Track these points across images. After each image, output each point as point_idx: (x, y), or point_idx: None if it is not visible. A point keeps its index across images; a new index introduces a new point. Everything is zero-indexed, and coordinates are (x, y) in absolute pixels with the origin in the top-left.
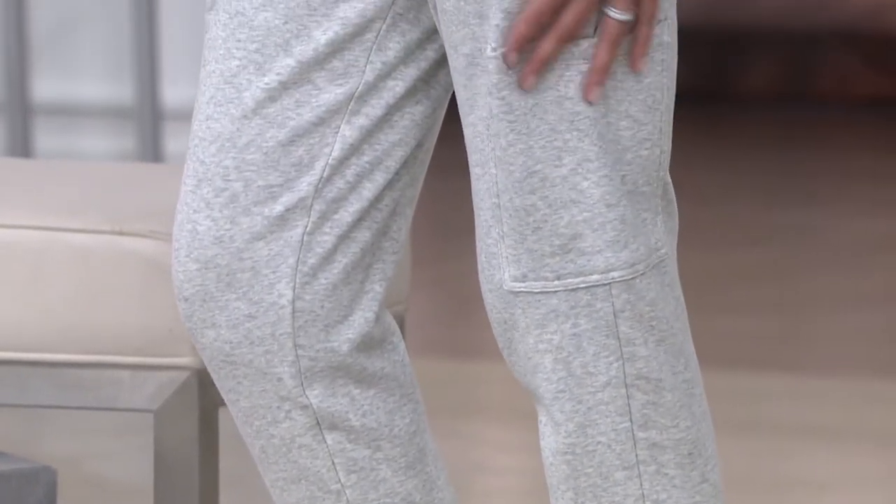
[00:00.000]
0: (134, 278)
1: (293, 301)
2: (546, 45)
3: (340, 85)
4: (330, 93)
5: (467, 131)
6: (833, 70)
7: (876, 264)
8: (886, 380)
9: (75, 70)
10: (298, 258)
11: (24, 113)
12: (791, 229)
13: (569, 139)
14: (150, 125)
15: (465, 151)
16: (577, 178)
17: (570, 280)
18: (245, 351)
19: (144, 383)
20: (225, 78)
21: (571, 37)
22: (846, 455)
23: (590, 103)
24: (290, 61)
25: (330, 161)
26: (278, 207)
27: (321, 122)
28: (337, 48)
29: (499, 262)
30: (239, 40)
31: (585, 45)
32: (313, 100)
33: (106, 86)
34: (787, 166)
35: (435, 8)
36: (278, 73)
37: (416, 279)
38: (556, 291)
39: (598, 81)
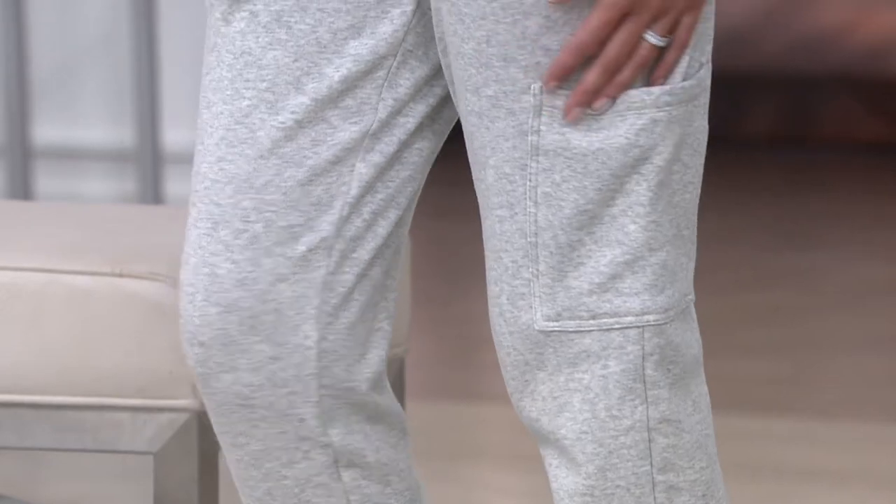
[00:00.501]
0: (134, 320)
1: (319, 342)
2: (591, 77)
3: (355, 123)
4: (345, 131)
5: (487, 173)
6: (834, 114)
7: (881, 307)
8: (893, 423)
9: (76, 113)
10: (322, 298)
11: (24, 156)
12: (795, 272)
13: (627, 183)
14: (150, 168)
15: (464, 196)
16: (626, 220)
17: (604, 320)
18: (267, 393)
19: (145, 426)
20: (236, 118)
21: (617, 68)
22: (853, 499)
23: (596, 111)
24: (304, 99)
25: (348, 199)
26: (301, 248)
27: (338, 161)
28: (350, 86)
29: (528, 303)
30: (248, 80)
31: (658, 92)
32: (329, 138)
33: (106, 129)
34: (789, 210)
35: (445, 50)
36: (293, 112)
37: (416, 321)
38: (590, 331)
39: (612, 96)
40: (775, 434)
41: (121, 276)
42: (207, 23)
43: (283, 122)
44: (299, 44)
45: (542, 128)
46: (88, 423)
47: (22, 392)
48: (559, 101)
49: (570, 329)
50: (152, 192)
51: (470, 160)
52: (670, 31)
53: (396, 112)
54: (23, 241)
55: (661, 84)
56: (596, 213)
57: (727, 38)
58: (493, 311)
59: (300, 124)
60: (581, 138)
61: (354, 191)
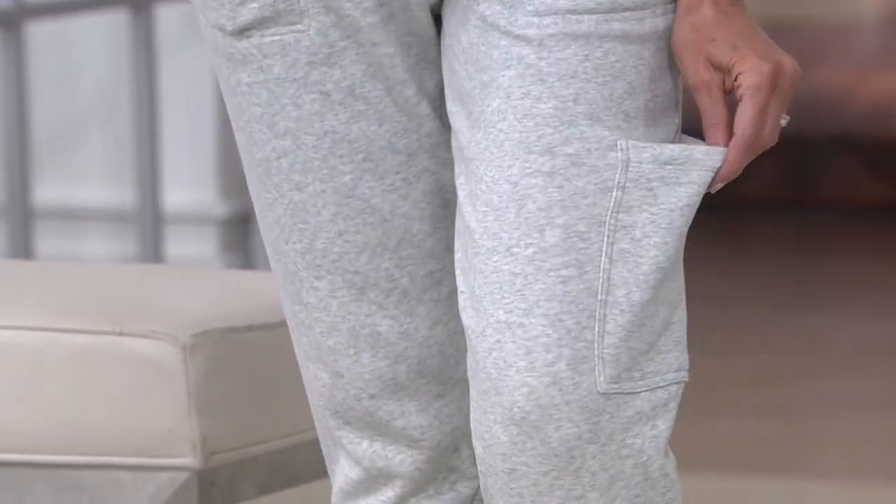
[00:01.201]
0: (134, 378)
1: None
2: (742, 161)
3: (451, 168)
4: (448, 177)
5: (548, 235)
6: (834, 176)
7: (881, 369)
8: (891, 486)
9: (77, 174)
10: None
11: (25, 216)
12: (796, 333)
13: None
14: (150, 229)
15: None
16: (676, 276)
17: (652, 379)
18: (435, 433)
19: (145, 484)
20: (344, 193)
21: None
22: None
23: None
24: (402, 157)
25: None
26: (445, 289)
27: (448, 204)
28: (437, 139)
29: (591, 366)
30: (341, 156)
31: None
32: (437, 187)
33: (107, 190)
34: (790, 271)
35: (481, 109)
36: (397, 172)
37: None
38: (640, 392)
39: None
40: (772, 495)
41: (120, 334)
42: (247, 109)
43: (391, 185)
44: (379, 109)
45: (629, 184)
46: (88, 483)
47: (21, 451)
48: (646, 155)
49: (627, 391)
50: (152, 253)
51: (484, 217)
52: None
53: None
54: (22, 299)
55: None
56: (669, 270)
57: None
58: (538, 383)
59: (407, 181)
60: (669, 193)
61: None
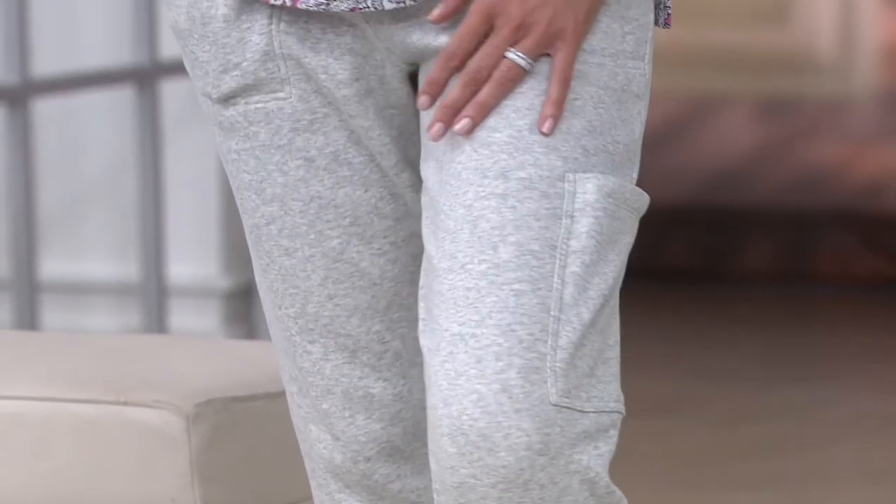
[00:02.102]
0: (138, 448)
1: None
2: (453, 92)
3: None
4: None
5: (502, 251)
6: (831, 250)
7: (880, 440)
8: None
9: (82, 248)
10: None
11: (30, 290)
12: (794, 405)
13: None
14: (154, 302)
15: None
16: (612, 309)
17: (597, 403)
18: (432, 495)
19: None
20: (332, 258)
21: (477, 83)
22: None
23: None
24: (389, 222)
25: None
26: None
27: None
28: (417, 198)
29: (543, 377)
30: (328, 221)
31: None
32: (423, 251)
33: (111, 263)
34: (788, 344)
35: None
36: (385, 237)
37: None
38: (589, 412)
39: (472, 116)
40: None
41: (125, 404)
42: (239, 177)
43: (379, 249)
44: (363, 175)
45: (576, 213)
46: None
47: None
48: (590, 185)
49: (577, 407)
50: (156, 326)
51: (441, 242)
52: (535, 54)
53: None
54: (27, 370)
55: (550, 125)
56: (609, 298)
57: (725, 174)
58: (487, 390)
59: (396, 245)
60: (611, 226)
61: None
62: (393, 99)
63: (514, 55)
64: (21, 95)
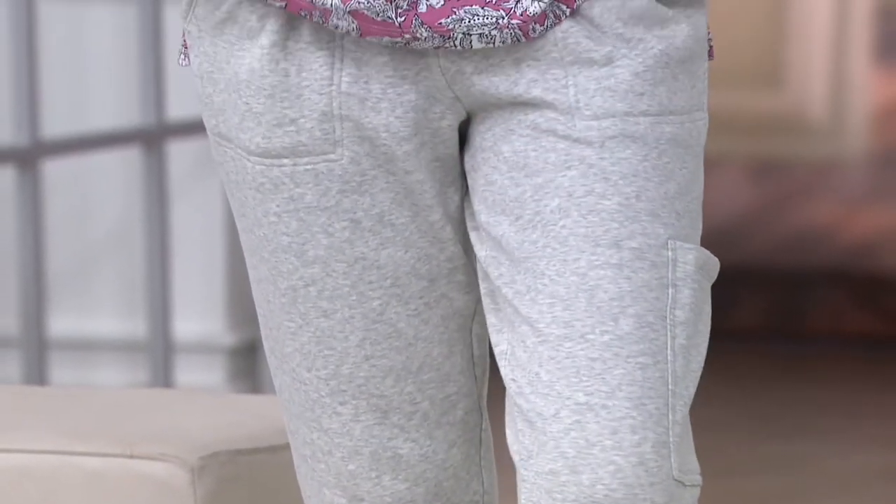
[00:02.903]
0: (145, 500)
1: (483, 495)
2: None
3: (467, 293)
4: (461, 301)
5: (622, 323)
6: (824, 308)
7: (870, 495)
8: None
9: (90, 305)
10: (481, 454)
11: (39, 347)
12: (786, 460)
13: None
14: (161, 358)
15: None
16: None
17: (692, 476)
18: None
19: None
20: (372, 318)
21: None
22: None
23: None
24: (424, 283)
25: (475, 360)
26: (459, 412)
27: (461, 328)
28: (456, 264)
29: (668, 452)
30: (371, 282)
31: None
32: (452, 311)
33: (119, 320)
34: (781, 399)
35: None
36: (420, 297)
37: None
38: (688, 486)
39: None
40: None
41: (131, 457)
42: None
43: (415, 310)
44: (405, 235)
45: (678, 283)
46: None
47: None
48: (690, 256)
49: (686, 482)
50: (163, 382)
51: (550, 308)
52: None
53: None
54: (36, 423)
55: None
56: (702, 368)
57: (721, 233)
58: (625, 462)
59: (429, 306)
60: (703, 298)
61: (476, 351)
62: (440, 150)
63: None
64: (31, 156)
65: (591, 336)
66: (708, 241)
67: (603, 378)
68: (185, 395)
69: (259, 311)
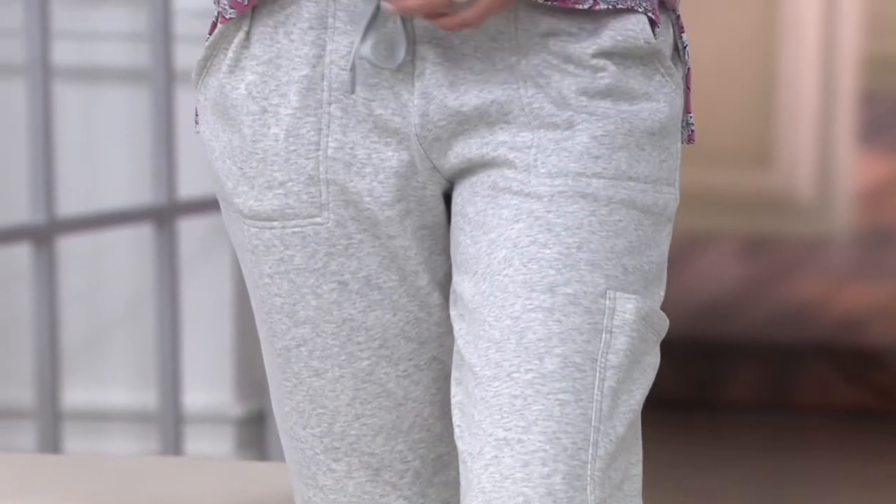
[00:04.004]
0: None
1: None
2: None
3: None
4: (451, 364)
5: (547, 362)
6: (812, 381)
7: None
8: None
9: (103, 377)
10: None
11: (54, 418)
12: None
13: None
14: (171, 428)
15: None
16: (636, 429)
17: None
18: None
19: None
20: (361, 378)
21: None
22: None
23: None
24: (413, 345)
25: None
26: (453, 473)
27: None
28: (445, 328)
29: (584, 484)
30: (359, 343)
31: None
32: (443, 373)
33: (132, 392)
34: (771, 471)
35: (476, 257)
36: (409, 359)
37: None
38: None
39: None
40: None
41: None
42: (270, 302)
43: (404, 371)
44: (393, 299)
45: (615, 330)
46: None
47: None
48: (629, 306)
49: None
50: (173, 451)
51: (485, 351)
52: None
53: None
54: (49, 490)
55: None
56: (635, 414)
57: (713, 307)
58: (533, 493)
59: (419, 368)
60: (643, 348)
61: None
62: (427, 218)
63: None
64: (47, 234)
65: (516, 374)
66: (699, 316)
67: (522, 413)
68: (195, 463)
69: (267, 371)
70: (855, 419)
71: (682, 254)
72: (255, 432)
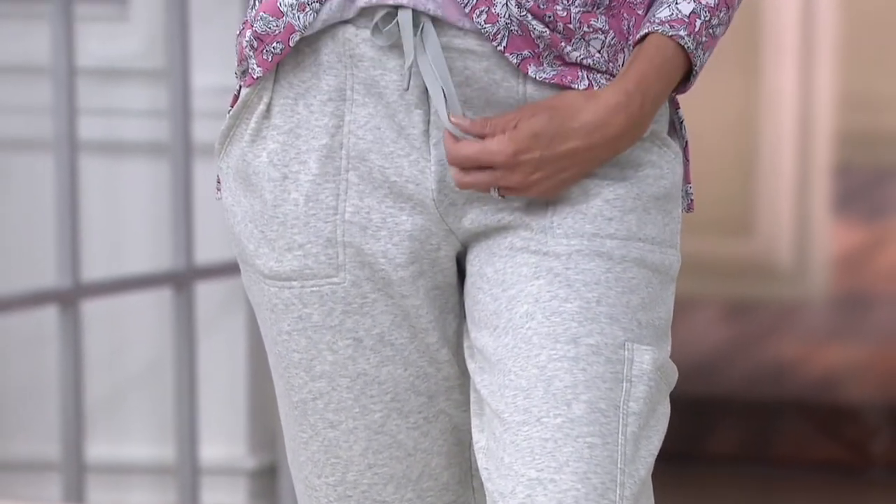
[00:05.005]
0: None
1: None
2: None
3: (465, 410)
4: (459, 418)
5: (575, 407)
6: (790, 436)
7: None
8: None
9: (124, 432)
10: None
11: (78, 471)
12: None
13: None
14: (189, 480)
15: None
16: (649, 475)
17: None
18: None
19: None
20: (374, 430)
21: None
22: None
23: None
24: (423, 399)
25: (473, 472)
26: None
27: (459, 443)
28: (453, 383)
29: None
30: (372, 396)
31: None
32: (451, 426)
33: (151, 446)
34: None
35: (497, 313)
36: (419, 412)
37: None
38: None
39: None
40: None
41: None
42: (289, 366)
43: (414, 423)
44: (404, 355)
45: (634, 379)
46: None
47: None
48: (647, 357)
49: None
50: (190, 502)
51: (513, 399)
52: (508, 194)
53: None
54: None
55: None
56: (653, 459)
57: (697, 367)
58: None
59: (428, 420)
60: (659, 397)
61: (474, 463)
62: (440, 279)
63: (492, 190)
64: (72, 297)
65: (545, 419)
66: (684, 375)
67: (553, 455)
68: None
69: (283, 424)
70: (831, 472)
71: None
72: (268, 484)
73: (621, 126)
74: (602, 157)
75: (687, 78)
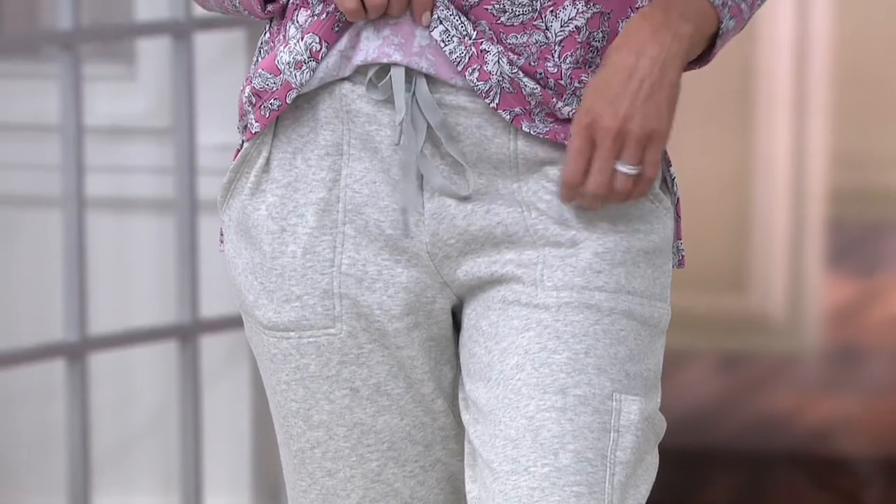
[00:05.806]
0: None
1: None
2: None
3: (461, 459)
4: (456, 466)
5: (562, 456)
6: (783, 487)
7: None
8: None
9: (131, 483)
10: None
11: None
12: None
13: None
14: None
15: None
16: None
17: None
18: None
19: None
20: (371, 478)
21: (598, 199)
22: None
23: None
24: (420, 448)
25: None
26: None
27: (456, 491)
28: (449, 433)
29: None
30: (369, 445)
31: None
32: (447, 474)
33: (157, 496)
34: None
35: (490, 365)
36: (416, 461)
37: None
38: None
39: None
40: None
41: None
42: (288, 412)
43: (411, 472)
44: (400, 405)
45: (622, 429)
46: None
47: None
48: (634, 407)
49: None
50: None
51: (503, 448)
52: (637, 158)
53: None
54: None
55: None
56: None
57: (691, 419)
58: None
59: (424, 469)
60: (646, 447)
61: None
62: (435, 331)
63: (622, 167)
64: (80, 351)
65: (533, 468)
66: (678, 427)
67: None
68: None
69: (284, 472)
70: None
71: (665, 369)
72: None
73: (662, 43)
74: (669, 67)
75: (712, 45)
